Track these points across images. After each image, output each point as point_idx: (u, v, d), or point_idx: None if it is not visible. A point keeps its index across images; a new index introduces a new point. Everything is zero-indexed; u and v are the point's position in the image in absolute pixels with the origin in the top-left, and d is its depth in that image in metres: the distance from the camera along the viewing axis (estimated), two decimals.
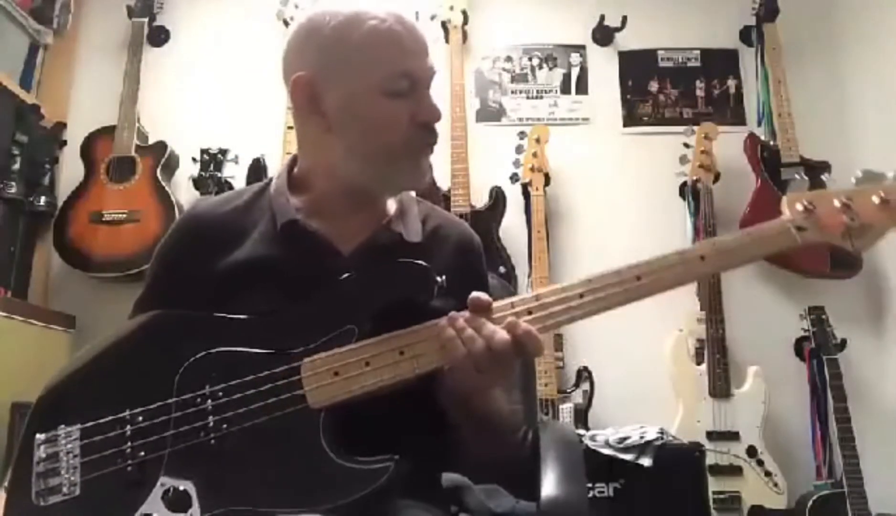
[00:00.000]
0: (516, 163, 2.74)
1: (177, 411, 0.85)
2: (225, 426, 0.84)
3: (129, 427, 0.85)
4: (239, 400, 0.85)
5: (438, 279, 0.90)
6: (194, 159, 2.74)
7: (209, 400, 0.85)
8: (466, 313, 0.87)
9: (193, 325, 0.92)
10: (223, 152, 2.74)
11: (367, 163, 1.00)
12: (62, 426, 0.86)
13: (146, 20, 2.92)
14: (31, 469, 0.84)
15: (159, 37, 3.01)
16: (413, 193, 1.12)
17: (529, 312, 0.87)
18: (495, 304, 0.88)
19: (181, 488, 0.81)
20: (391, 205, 1.08)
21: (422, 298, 0.90)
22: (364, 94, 0.98)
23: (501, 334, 0.83)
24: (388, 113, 0.98)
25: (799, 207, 0.95)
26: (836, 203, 0.95)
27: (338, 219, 1.02)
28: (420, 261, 0.91)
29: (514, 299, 0.89)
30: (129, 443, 0.84)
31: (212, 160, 2.72)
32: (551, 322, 0.88)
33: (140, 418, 0.85)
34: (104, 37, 3.02)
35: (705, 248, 0.93)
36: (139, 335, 0.93)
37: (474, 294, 0.87)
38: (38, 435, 0.86)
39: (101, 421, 0.85)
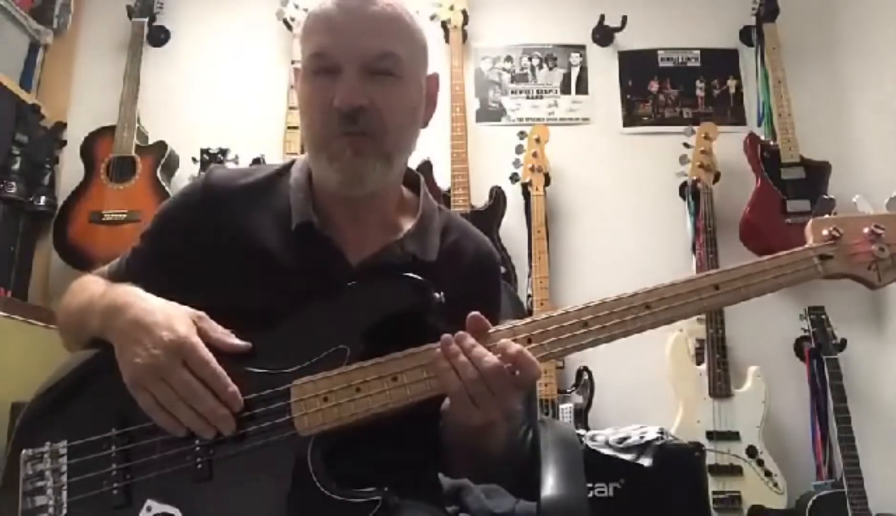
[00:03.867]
0: (516, 163, 2.74)
1: (163, 433, 0.81)
2: (212, 451, 0.80)
3: (114, 448, 0.82)
4: None
5: (437, 295, 0.86)
6: (194, 159, 2.73)
7: None
8: (463, 334, 0.82)
9: None
10: (223, 152, 2.74)
11: (308, 151, 0.98)
12: (48, 442, 0.83)
13: (146, 20, 2.92)
14: (17, 485, 0.82)
15: (159, 37, 3.01)
16: (434, 203, 1.07)
17: (529, 340, 0.83)
18: (495, 329, 0.84)
19: (169, 514, 0.79)
20: (407, 218, 1.03)
21: (419, 314, 0.86)
22: (301, 77, 0.97)
23: (490, 357, 0.79)
24: (307, 93, 0.95)
25: (825, 233, 0.88)
26: (866, 230, 0.88)
27: (350, 227, 0.98)
28: (417, 276, 0.88)
29: (515, 323, 0.85)
30: (115, 465, 0.81)
31: (212, 160, 2.71)
32: (554, 350, 0.83)
33: (126, 438, 0.82)
34: (104, 37, 3.02)
35: (720, 277, 0.87)
36: None
37: (473, 314, 0.84)
38: (24, 451, 0.84)
39: (87, 440, 0.82)
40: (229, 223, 0.96)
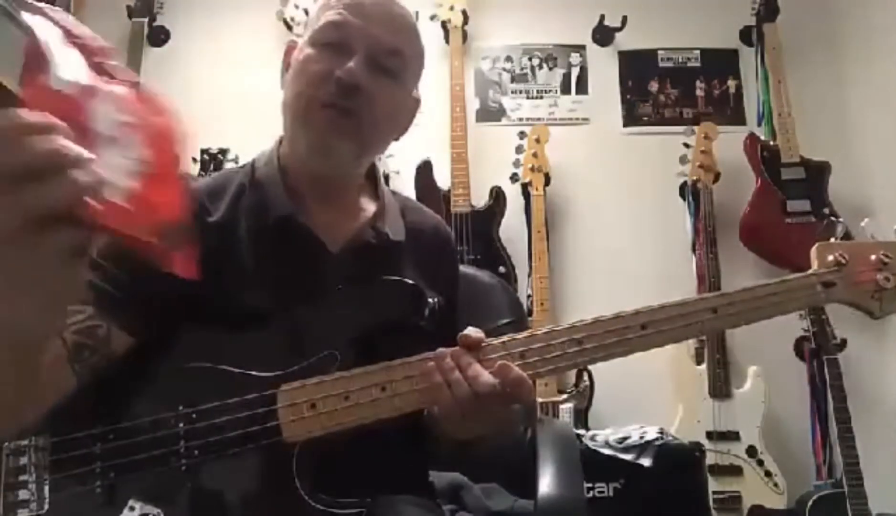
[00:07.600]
0: (516, 163, 2.74)
1: (148, 432, 0.79)
2: (196, 452, 0.79)
3: (99, 444, 0.79)
4: (212, 426, 0.80)
5: (431, 301, 0.88)
6: (194, 159, 2.73)
7: (182, 423, 0.80)
8: (459, 350, 0.83)
9: (169, 334, 0.84)
10: (223, 152, 2.74)
11: (285, 116, 0.97)
12: (32, 436, 0.79)
13: (146, 20, 2.92)
14: None
15: (159, 37, 3.01)
16: (386, 187, 1.08)
17: (522, 356, 0.84)
18: (489, 343, 0.84)
19: (152, 514, 0.78)
20: (368, 201, 1.04)
21: (412, 321, 0.87)
22: (304, 44, 0.97)
23: (486, 377, 0.80)
24: (306, 59, 0.94)
25: (830, 258, 0.87)
26: (873, 257, 0.87)
27: (321, 211, 0.97)
28: (412, 282, 0.89)
29: (506, 338, 0.85)
30: (100, 462, 0.79)
31: (212, 160, 2.71)
32: (544, 369, 0.84)
33: (111, 435, 0.79)
34: (104, 37, 2.97)
35: (717, 301, 0.87)
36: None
37: (465, 331, 0.84)
38: (5, 444, 0.80)
39: (72, 437, 0.79)
40: (201, 222, 0.91)
